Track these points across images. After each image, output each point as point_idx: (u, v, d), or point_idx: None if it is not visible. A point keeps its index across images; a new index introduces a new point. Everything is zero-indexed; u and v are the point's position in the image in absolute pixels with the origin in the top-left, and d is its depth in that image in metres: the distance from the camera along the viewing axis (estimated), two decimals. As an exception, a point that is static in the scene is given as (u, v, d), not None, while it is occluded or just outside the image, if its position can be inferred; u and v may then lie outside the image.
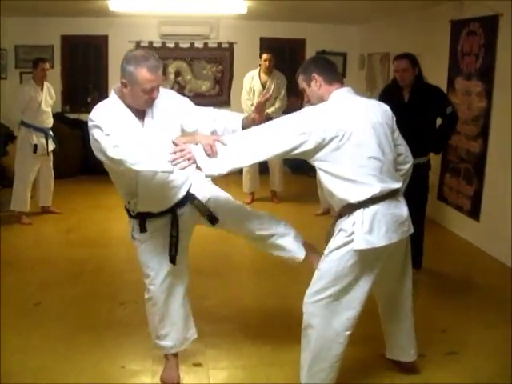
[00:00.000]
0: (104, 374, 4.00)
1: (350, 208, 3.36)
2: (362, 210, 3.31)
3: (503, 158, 6.35)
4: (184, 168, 3.19)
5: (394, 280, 3.77)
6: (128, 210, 3.69)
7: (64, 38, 11.01)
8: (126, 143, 3.17)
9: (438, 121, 5.80)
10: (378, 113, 3.52)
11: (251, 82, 8.77)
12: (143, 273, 3.81)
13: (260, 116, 3.57)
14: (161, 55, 3.40)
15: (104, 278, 5.80)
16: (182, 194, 3.65)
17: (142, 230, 3.65)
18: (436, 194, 7.69)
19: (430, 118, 5.71)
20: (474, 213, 6.97)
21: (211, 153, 3.19)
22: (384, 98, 5.95)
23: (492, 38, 6.51)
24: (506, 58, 6.28)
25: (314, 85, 3.58)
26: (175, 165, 3.13)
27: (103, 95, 10.77)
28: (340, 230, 3.43)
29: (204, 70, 11.59)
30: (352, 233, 3.32)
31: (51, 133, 7.81)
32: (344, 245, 3.37)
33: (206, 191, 3.81)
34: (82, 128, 10.07)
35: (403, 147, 3.74)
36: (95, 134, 3.24)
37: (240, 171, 9.44)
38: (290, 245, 4.12)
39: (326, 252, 3.50)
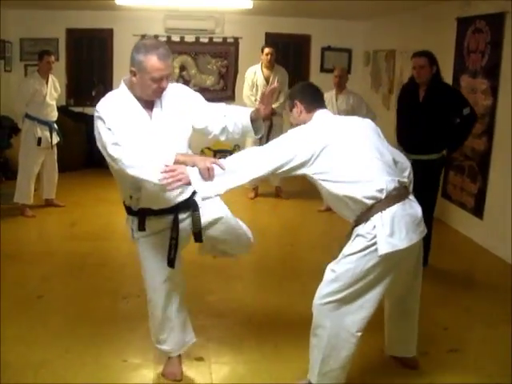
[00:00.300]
0: (106, 368, 4.00)
1: (366, 213, 3.35)
2: (380, 213, 3.30)
3: (508, 156, 6.34)
4: (174, 188, 3.22)
5: (407, 281, 3.76)
6: (128, 207, 3.63)
7: (69, 31, 11.02)
8: (126, 143, 3.16)
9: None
10: (363, 123, 3.68)
11: (253, 77, 8.75)
12: (143, 276, 3.79)
13: (267, 107, 3.53)
14: (166, 53, 3.35)
15: (107, 271, 5.80)
16: (185, 195, 3.59)
17: (141, 228, 3.57)
18: (440, 192, 7.68)
19: (444, 118, 5.66)
20: (478, 211, 6.96)
21: (208, 177, 3.20)
22: (401, 95, 6.11)
23: (498, 36, 6.50)
24: (512, 56, 6.27)
25: (296, 111, 3.72)
26: (166, 184, 3.13)
27: (108, 89, 10.67)
28: (358, 236, 3.40)
29: (209, 65, 11.58)
30: (373, 237, 3.30)
31: (55, 126, 7.82)
32: (364, 249, 3.34)
33: (214, 212, 3.79)
34: (87, 121, 10.10)
35: (397, 155, 3.76)
36: (99, 125, 3.23)
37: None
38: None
39: (341, 256, 3.48)
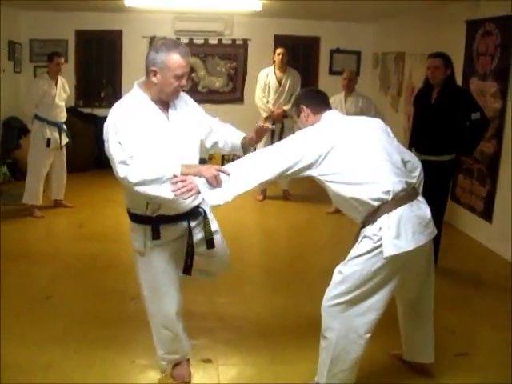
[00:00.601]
0: (114, 369, 4.01)
1: (373, 215, 3.35)
2: (386, 215, 3.30)
3: (517, 160, 6.33)
4: (187, 198, 3.25)
5: (418, 283, 3.74)
6: (138, 216, 3.53)
7: (78, 33, 11.06)
8: (134, 156, 3.14)
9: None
10: (371, 123, 3.69)
11: (266, 79, 8.76)
12: (146, 294, 3.71)
13: (257, 139, 3.70)
14: (187, 51, 3.39)
15: (115, 272, 5.81)
16: (197, 200, 3.58)
17: (156, 236, 3.49)
18: (449, 195, 7.65)
19: (454, 120, 5.68)
20: (487, 214, 6.94)
21: (216, 184, 3.23)
22: (416, 98, 6.23)
23: (508, 39, 6.47)
24: (522, 59, 6.25)
25: (303, 116, 3.76)
26: (178, 195, 3.16)
27: (117, 90, 10.85)
28: (364, 237, 3.40)
29: (218, 67, 11.59)
30: (379, 239, 3.30)
31: (64, 127, 7.84)
32: (370, 251, 3.33)
33: (215, 225, 3.88)
34: (95, 122, 10.14)
35: (407, 154, 3.76)
36: (110, 136, 3.21)
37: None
38: None
39: (348, 257, 3.47)
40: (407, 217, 3.32)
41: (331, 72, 11.59)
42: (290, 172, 3.39)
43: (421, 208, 3.45)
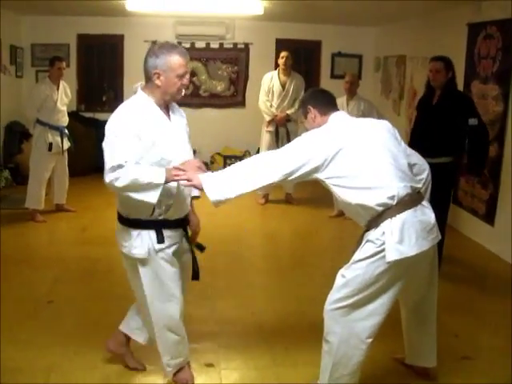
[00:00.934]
0: (116, 373, 4.01)
1: (376, 219, 3.34)
2: (389, 219, 3.29)
3: (519, 163, 6.32)
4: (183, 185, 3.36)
5: (421, 287, 3.73)
6: (136, 221, 3.52)
7: (80, 37, 11.07)
8: (123, 166, 3.22)
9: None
10: (379, 125, 3.66)
11: (270, 82, 8.77)
12: (149, 300, 3.65)
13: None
14: (186, 52, 3.47)
15: (117, 276, 5.78)
16: (189, 205, 3.74)
17: (160, 239, 3.51)
18: (451, 199, 7.65)
19: (454, 124, 5.72)
20: (489, 217, 6.93)
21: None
22: (419, 101, 6.33)
23: (509, 42, 6.48)
24: (524, 62, 6.25)
25: (310, 117, 3.73)
26: (177, 180, 3.30)
27: (118, 94, 10.86)
28: (367, 241, 3.39)
29: (219, 71, 11.59)
30: (382, 243, 3.29)
31: (66, 131, 7.84)
32: (373, 255, 3.33)
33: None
34: (97, 127, 10.15)
35: (415, 157, 3.76)
36: (108, 138, 3.33)
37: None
38: None
39: (351, 261, 3.47)
40: (411, 222, 3.31)
41: (333, 76, 11.59)
42: (296, 175, 3.37)
43: (425, 213, 3.44)
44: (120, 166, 3.21)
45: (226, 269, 6.19)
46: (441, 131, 5.68)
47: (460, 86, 7.04)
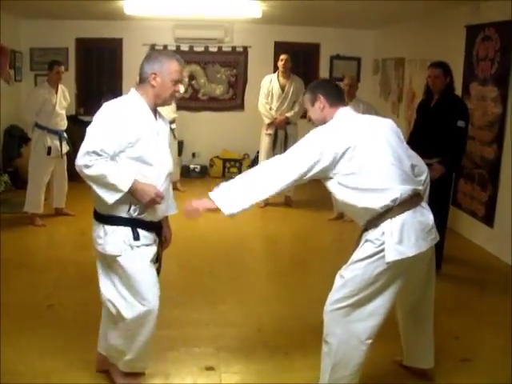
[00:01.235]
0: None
1: (376, 220, 3.35)
2: (389, 220, 3.30)
3: (518, 164, 6.33)
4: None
5: (418, 288, 3.73)
6: (113, 218, 3.53)
7: (79, 41, 11.09)
8: (99, 156, 3.31)
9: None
10: (383, 124, 3.64)
11: (269, 85, 8.77)
12: (121, 298, 3.62)
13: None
14: (183, 61, 3.55)
15: (117, 280, 5.80)
16: (168, 210, 3.82)
17: (136, 236, 3.52)
18: (450, 200, 7.65)
19: (446, 126, 5.84)
20: (488, 219, 6.93)
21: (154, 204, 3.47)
22: (419, 105, 6.49)
23: (507, 43, 6.49)
24: (522, 64, 6.26)
25: (318, 105, 3.66)
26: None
27: (117, 98, 10.83)
28: (366, 241, 3.40)
29: (218, 74, 11.60)
30: (381, 243, 3.30)
31: (65, 135, 7.84)
32: (372, 255, 3.34)
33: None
34: (96, 130, 10.12)
35: (415, 158, 3.77)
36: (92, 124, 3.46)
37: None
38: None
39: (350, 261, 3.47)
40: (410, 222, 3.32)
41: (331, 78, 11.60)
42: (312, 173, 3.38)
43: (424, 214, 3.44)
44: (95, 153, 3.30)
45: (225, 272, 6.18)
46: (438, 133, 5.79)
47: (459, 88, 7.07)
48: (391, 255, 3.26)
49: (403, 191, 3.33)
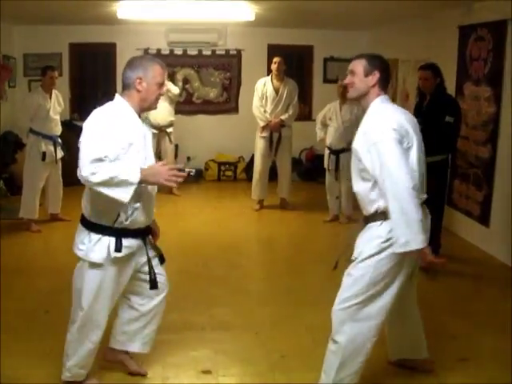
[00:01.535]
0: (115, 381, 4.01)
1: (384, 214, 3.36)
2: None
3: (513, 163, 6.34)
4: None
5: (406, 283, 3.76)
6: (98, 226, 3.57)
7: (72, 46, 11.07)
8: (102, 161, 3.28)
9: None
10: (416, 124, 3.60)
11: (263, 88, 8.76)
12: (87, 304, 3.70)
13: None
14: (169, 62, 3.65)
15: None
16: (152, 216, 3.79)
17: (118, 247, 3.53)
18: (446, 200, 7.66)
19: (439, 123, 5.99)
20: (484, 218, 6.94)
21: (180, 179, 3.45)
22: (415, 104, 6.70)
23: (500, 43, 6.50)
24: (515, 63, 6.28)
25: (371, 79, 3.55)
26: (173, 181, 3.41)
27: (111, 103, 10.82)
28: (374, 237, 3.42)
29: (212, 77, 11.60)
30: (388, 239, 3.33)
31: (60, 140, 7.82)
32: (380, 252, 3.37)
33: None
34: (91, 135, 10.11)
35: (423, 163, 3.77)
36: (85, 134, 3.45)
37: (249, 178, 9.47)
38: None
39: (358, 258, 3.48)
40: None
41: (325, 80, 11.65)
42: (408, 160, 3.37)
43: (426, 217, 3.49)
44: (99, 160, 3.27)
45: (222, 275, 6.17)
46: (432, 132, 5.79)
47: (452, 88, 7.10)
48: (401, 247, 3.26)
49: (420, 193, 3.36)
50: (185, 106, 11.10)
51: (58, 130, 7.80)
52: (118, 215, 3.49)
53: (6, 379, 3.92)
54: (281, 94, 8.70)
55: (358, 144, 3.47)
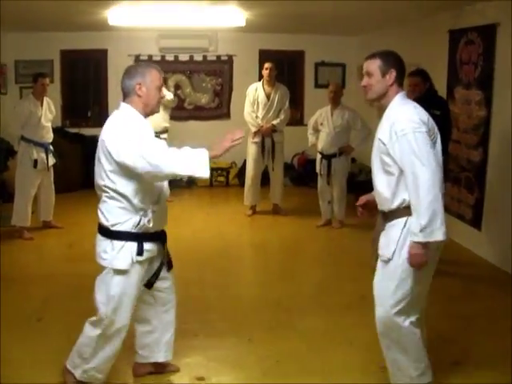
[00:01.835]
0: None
1: (408, 208, 3.39)
2: None
3: (504, 167, 6.35)
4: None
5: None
6: (120, 233, 3.60)
7: (63, 53, 11.07)
8: (165, 149, 3.43)
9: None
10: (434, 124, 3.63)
11: (255, 93, 8.77)
12: (112, 311, 3.73)
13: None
14: (160, 69, 3.62)
15: (106, 292, 5.78)
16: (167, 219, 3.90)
17: (141, 251, 3.61)
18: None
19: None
20: (476, 222, 6.95)
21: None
22: None
23: (490, 47, 6.53)
24: (505, 67, 6.30)
25: (388, 78, 3.58)
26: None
27: (103, 109, 10.83)
28: (407, 235, 3.44)
29: (203, 83, 11.61)
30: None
31: (51, 147, 7.81)
32: None
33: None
34: (83, 142, 10.15)
35: None
36: (125, 138, 3.42)
37: (242, 184, 9.47)
38: None
39: (394, 260, 3.52)
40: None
41: (317, 85, 11.68)
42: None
43: None
44: (156, 152, 3.37)
45: (214, 281, 6.17)
46: None
47: (443, 92, 7.13)
48: (425, 237, 3.31)
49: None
50: (176, 111, 11.05)
51: (49, 137, 7.80)
52: (140, 220, 3.55)
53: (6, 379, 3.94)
54: (272, 99, 8.71)
55: (384, 135, 3.48)
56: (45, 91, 7.68)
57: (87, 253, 6.95)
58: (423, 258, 3.38)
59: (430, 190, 3.25)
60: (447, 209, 7.42)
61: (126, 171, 3.45)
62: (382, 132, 3.50)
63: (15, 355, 4.40)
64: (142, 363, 4.13)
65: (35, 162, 7.58)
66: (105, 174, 3.52)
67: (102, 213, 3.64)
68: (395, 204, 3.47)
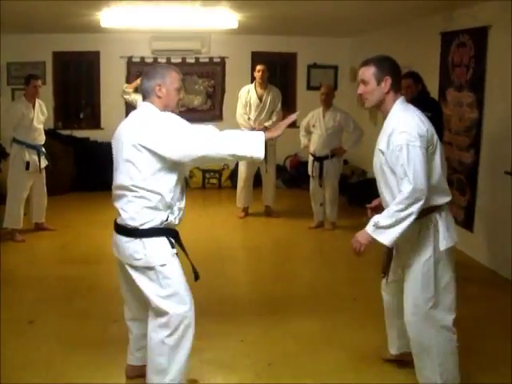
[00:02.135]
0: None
1: (422, 210, 3.42)
2: (437, 214, 3.54)
3: (495, 168, 6.37)
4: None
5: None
6: (152, 230, 3.59)
7: (56, 55, 11.04)
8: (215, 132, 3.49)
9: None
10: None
11: (247, 95, 8.77)
12: (168, 304, 3.76)
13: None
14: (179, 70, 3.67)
15: (98, 295, 5.77)
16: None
17: (172, 245, 3.67)
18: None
19: None
20: (468, 223, 6.97)
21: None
22: None
23: (482, 49, 6.55)
24: (496, 69, 6.33)
25: (384, 86, 3.59)
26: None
27: (96, 111, 10.80)
28: (423, 237, 3.52)
29: (196, 85, 11.62)
30: (432, 234, 3.50)
31: (43, 149, 7.80)
32: (434, 252, 3.54)
33: None
34: (75, 144, 10.11)
35: None
36: (172, 129, 3.48)
37: (234, 186, 9.47)
38: None
39: (418, 263, 3.59)
40: (450, 219, 3.65)
41: (309, 87, 11.69)
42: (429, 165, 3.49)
43: (447, 214, 3.72)
44: (219, 134, 3.45)
45: (207, 283, 6.13)
46: None
47: (435, 94, 7.15)
48: (374, 232, 3.40)
49: (447, 197, 3.55)
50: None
51: (41, 139, 7.79)
52: (168, 216, 3.58)
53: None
54: (264, 101, 8.72)
55: (383, 145, 3.51)
56: (37, 93, 7.67)
57: (79, 255, 7.04)
58: (361, 247, 3.46)
59: (404, 203, 3.32)
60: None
61: (170, 165, 3.49)
62: (382, 142, 3.54)
63: (7, 357, 4.37)
64: (136, 365, 4.11)
65: (27, 164, 7.56)
66: (137, 173, 3.47)
67: (128, 213, 3.55)
68: None
